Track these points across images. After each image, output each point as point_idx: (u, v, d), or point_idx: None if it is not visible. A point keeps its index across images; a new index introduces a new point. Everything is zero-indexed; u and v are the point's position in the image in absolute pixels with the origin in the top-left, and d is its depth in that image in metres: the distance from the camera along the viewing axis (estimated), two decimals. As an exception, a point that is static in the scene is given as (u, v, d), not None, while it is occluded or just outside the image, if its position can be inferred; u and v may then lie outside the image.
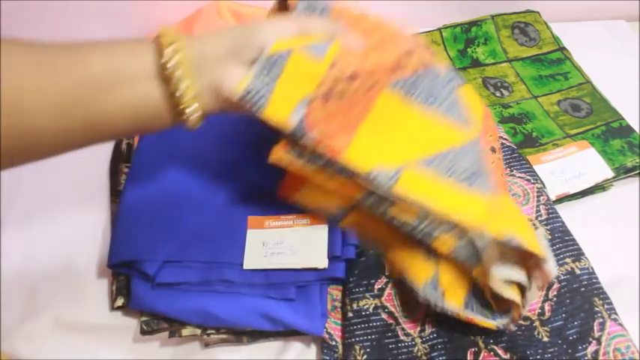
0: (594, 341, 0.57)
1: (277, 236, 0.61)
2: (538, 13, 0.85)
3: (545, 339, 0.58)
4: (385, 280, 0.60)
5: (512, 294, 0.51)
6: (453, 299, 0.54)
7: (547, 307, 0.60)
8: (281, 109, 0.45)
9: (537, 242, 0.48)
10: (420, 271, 0.55)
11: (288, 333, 0.59)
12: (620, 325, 0.58)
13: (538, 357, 0.56)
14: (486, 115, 0.58)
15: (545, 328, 0.59)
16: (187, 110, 0.45)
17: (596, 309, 0.59)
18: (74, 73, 0.42)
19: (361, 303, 0.58)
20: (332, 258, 0.59)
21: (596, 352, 0.57)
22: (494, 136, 0.65)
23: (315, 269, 0.58)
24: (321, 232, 0.60)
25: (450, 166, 0.50)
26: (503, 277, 0.49)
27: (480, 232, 0.48)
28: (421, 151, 0.49)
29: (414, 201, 0.47)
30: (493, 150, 0.61)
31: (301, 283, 0.58)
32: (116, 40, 0.44)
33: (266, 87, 0.44)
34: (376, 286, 0.59)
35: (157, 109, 0.45)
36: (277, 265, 0.59)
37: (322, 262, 0.59)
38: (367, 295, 0.59)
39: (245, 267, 0.59)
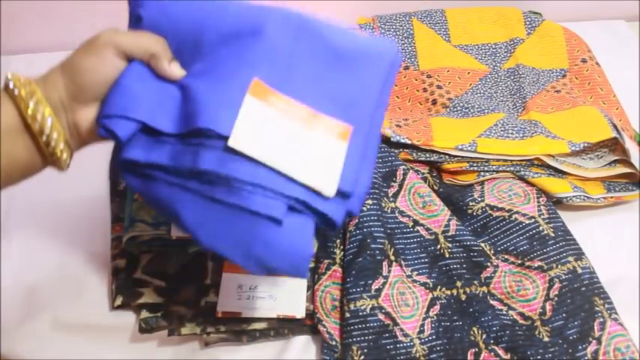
0: (594, 341, 0.57)
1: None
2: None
3: (546, 339, 0.58)
4: (382, 280, 0.60)
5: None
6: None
7: (548, 307, 0.60)
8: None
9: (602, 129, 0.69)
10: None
11: (287, 333, 0.60)
12: (621, 324, 0.58)
13: (539, 357, 0.56)
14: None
15: (546, 328, 0.59)
16: (63, 157, 0.45)
17: (597, 308, 0.59)
18: None
19: (358, 303, 0.58)
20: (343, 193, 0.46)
21: (597, 351, 0.57)
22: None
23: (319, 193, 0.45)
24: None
25: (502, 130, 0.72)
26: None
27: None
28: (478, 129, 0.73)
29: (493, 153, 0.70)
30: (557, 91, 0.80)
31: (294, 202, 0.45)
32: None
33: None
34: (373, 287, 0.59)
35: (26, 161, 0.45)
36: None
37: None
38: (364, 295, 0.59)
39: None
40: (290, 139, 0.45)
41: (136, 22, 0.47)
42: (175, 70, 0.47)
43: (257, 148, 0.43)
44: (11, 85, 0.43)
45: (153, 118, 0.45)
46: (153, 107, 0.45)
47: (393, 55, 0.51)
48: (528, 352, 0.57)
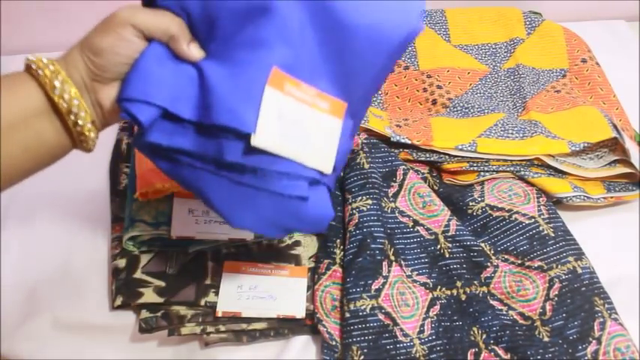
0: (594, 341, 0.57)
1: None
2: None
3: (546, 339, 0.58)
4: (382, 280, 0.60)
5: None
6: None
7: (548, 307, 0.60)
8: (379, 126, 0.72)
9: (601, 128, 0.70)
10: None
11: (287, 333, 0.60)
12: (621, 324, 0.58)
13: (539, 357, 0.56)
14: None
15: (546, 328, 0.59)
16: (91, 136, 0.45)
17: (597, 308, 0.59)
18: None
19: (358, 303, 0.58)
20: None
21: (596, 351, 0.57)
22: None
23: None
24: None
25: (502, 130, 0.72)
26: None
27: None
28: (478, 129, 0.73)
29: (493, 153, 0.70)
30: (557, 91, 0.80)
31: (311, 179, 0.48)
32: None
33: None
34: (373, 287, 0.59)
35: (55, 143, 0.44)
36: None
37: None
38: (364, 295, 0.59)
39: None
40: (301, 125, 0.46)
41: (148, 2, 0.46)
42: (194, 52, 0.46)
43: (278, 144, 0.45)
44: (34, 67, 0.42)
45: (174, 104, 0.45)
46: (174, 92, 0.45)
47: (411, 26, 0.49)
48: (528, 352, 0.57)
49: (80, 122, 0.43)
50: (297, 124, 0.46)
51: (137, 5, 0.46)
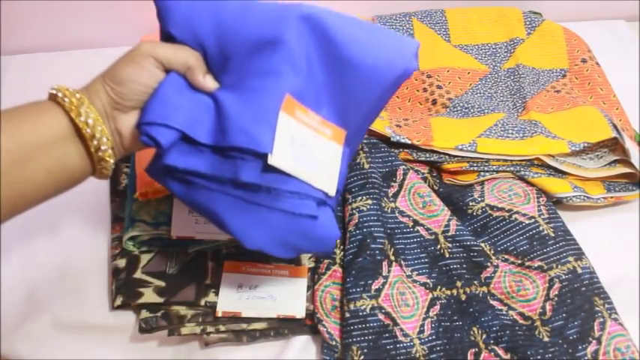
0: (594, 341, 0.57)
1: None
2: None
3: (546, 339, 0.58)
4: (382, 280, 0.60)
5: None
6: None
7: (548, 307, 0.60)
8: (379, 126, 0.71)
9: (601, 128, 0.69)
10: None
11: (287, 333, 0.60)
12: (621, 324, 0.58)
13: (539, 357, 0.56)
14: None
15: (546, 328, 0.59)
16: (110, 162, 0.47)
17: (597, 308, 0.59)
18: None
19: (358, 303, 0.58)
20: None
21: (596, 351, 0.57)
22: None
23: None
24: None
25: (502, 130, 0.72)
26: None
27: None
28: (478, 129, 0.72)
29: (493, 153, 0.70)
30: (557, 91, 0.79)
31: (319, 199, 0.51)
32: (16, 108, 0.44)
33: None
34: (373, 287, 0.59)
35: (78, 167, 0.47)
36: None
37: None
38: (364, 295, 0.59)
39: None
40: (309, 149, 0.50)
41: (167, 39, 0.50)
42: (209, 83, 0.49)
43: (291, 164, 0.48)
44: (60, 95, 0.45)
45: (191, 129, 0.48)
46: (191, 118, 0.48)
47: (406, 63, 0.52)
48: (528, 352, 0.57)
49: (103, 147, 0.46)
50: (305, 148, 0.50)
51: (156, 40, 0.50)
